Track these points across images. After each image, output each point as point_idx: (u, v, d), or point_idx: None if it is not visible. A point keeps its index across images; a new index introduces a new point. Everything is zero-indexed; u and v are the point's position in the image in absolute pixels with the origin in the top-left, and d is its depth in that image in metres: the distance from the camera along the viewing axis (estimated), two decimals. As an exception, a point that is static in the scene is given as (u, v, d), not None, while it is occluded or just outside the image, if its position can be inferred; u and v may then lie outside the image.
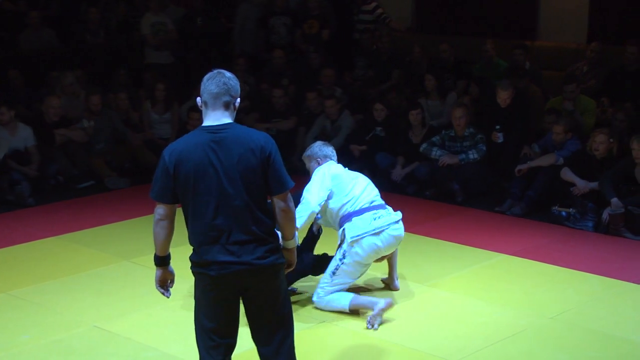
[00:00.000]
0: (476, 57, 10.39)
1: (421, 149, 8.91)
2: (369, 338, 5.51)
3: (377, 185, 9.18)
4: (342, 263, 5.77)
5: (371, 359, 5.28)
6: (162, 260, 4.09)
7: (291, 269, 4.16)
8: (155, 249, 4.07)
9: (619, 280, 6.48)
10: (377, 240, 5.74)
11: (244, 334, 5.30)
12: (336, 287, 5.82)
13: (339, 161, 6.10)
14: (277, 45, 11.40)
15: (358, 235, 5.71)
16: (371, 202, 5.88)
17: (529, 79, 9.45)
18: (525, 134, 8.82)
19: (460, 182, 8.67)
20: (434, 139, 8.91)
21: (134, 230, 7.73)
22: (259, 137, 3.94)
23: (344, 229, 5.78)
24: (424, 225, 7.82)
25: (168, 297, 4.21)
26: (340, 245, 5.82)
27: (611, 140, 7.83)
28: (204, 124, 3.95)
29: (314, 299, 5.87)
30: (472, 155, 8.67)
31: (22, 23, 11.08)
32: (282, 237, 4.07)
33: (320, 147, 6.08)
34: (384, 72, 10.81)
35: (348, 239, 5.73)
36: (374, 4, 11.63)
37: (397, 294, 6.14)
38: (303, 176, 9.34)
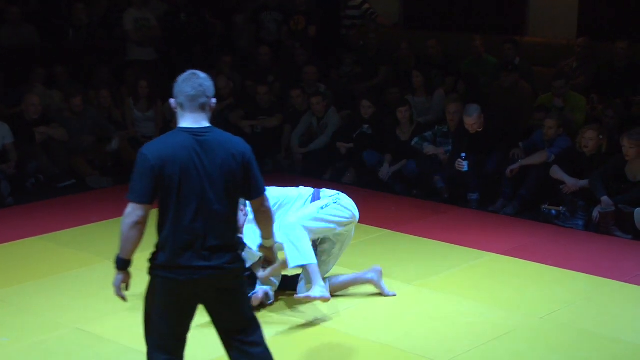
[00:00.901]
0: (465, 53, 10.35)
1: (412, 142, 8.85)
2: (356, 338, 5.45)
3: (364, 184, 9.20)
4: (328, 206, 5.73)
5: (358, 359, 5.22)
6: (127, 264, 4.06)
7: (271, 264, 4.32)
8: (122, 253, 4.01)
9: (609, 280, 6.45)
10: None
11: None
12: (318, 225, 5.67)
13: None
14: (266, 41, 11.33)
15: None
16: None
17: (518, 75, 9.38)
18: (507, 152, 8.51)
19: (446, 180, 8.59)
20: (426, 134, 8.84)
21: (116, 230, 7.45)
22: (239, 143, 4.00)
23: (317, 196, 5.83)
24: (411, 224, 7.79)
25: (127, 302, 4.16)
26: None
27: (601, 136, 7.79)
28: (183, 126, 3.93)
29: (292, 219, 5.64)
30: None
31: (1, 19, 10.92)
32: (262, 237, 4.21)
33: None
34: (371, 69, 10.74)
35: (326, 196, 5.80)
36: (360, 0, 11.56)
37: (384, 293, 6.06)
38: (290, 175, 9.35)
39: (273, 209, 5.59)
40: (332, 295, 5.84)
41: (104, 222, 7.86)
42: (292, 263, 5.58)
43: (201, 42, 11.47)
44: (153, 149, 3.87)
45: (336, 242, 5.94)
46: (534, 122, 8.78)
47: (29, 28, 10.85)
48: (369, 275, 6.02)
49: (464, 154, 8.18)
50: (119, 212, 8.43)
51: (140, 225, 3.90)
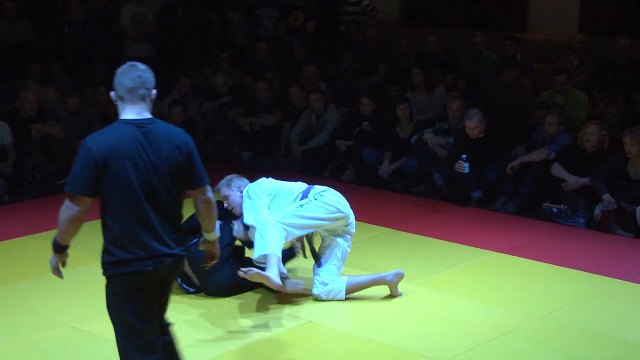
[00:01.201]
0: (465, 50, 10.30)
1: (412, 139, 8.79)
2: (356, 338, 5.42)
3: (364, 182, 9.16)
4: (308, 203, 5.77)
5: (358, 358, 5.19)
6: (64, 249, 4.07)
7: (214, 261, 4.27)
8: (60, 239, 4.01)
9: (611, 278, 6.42)
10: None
11: (237, 332, 5.15)
12: (299, 222, 5.69)
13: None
14: (263, 38, 11.28)
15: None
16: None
17: (519, 71, 9.33)
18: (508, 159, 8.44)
19: (445, 178, 8.54)
20: (426, 131, 8.78)
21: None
22: (181, 134, 4.02)
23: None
24: (412, 222, 7.76)
25: (62, 278, 4.20)
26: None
27: (603, 132, 7.73)
28: (125, 117, 3.93)
29: (272, 217, 5.68)
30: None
31: (-2, 14, 10.88)
32: (204, 230, 4.18)
33: (237, 178, 6.15)
34: (371, 66, 10.69)
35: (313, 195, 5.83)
36: (360, -4, 11.54)
37: (384, 292, 6.02)
38: (289, 172, 9.30)
39: (267, 198, 5.76)
40: (350, 297, 5.87)
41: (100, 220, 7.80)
42: (256, 254, 5.62)
43: (199, 38, 11.43)
44: (97, 142, 3.85)
45: (333, 238, 5.92)
46: (535, 119, 8.73)
47: (25, 24, 10.79)
48: (389, 277, 5.95)
49: (464, 155, 8.11)
50: None
51: (80, 217, 3.89)
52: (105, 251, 3.93)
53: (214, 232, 4.19)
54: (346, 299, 5.89)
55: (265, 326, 5.55)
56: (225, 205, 6.04)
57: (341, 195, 5.95)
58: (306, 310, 5.77)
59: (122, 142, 3.83)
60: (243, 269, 5.43)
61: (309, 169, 9.44)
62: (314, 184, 6.04)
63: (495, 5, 11.07)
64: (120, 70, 3.97)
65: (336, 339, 5.43)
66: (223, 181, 6.10)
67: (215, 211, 4.15)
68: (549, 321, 5.64)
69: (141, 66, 3.98)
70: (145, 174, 3.85)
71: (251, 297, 5.99)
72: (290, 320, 5.63)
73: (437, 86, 9.77)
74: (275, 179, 6.12)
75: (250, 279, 5.43)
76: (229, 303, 5.90)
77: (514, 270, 6.59)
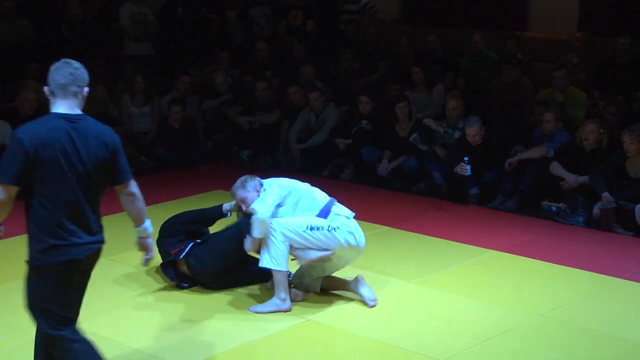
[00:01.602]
0: (465, 49, 10.29)
1: (411, 138, 8.79)
2: (354, 336, 5.41)
3: (363, 180, 9.15)
4: (319, 229, 5.64)
5: (357, 357, 5.18)
6: None
7: (149, 257, 4.41)
8: None
9: (610, 277, 6.42)
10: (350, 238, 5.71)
11: (235, 331, 5.13)
12: (297, 239, 5.60)
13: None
14: (259, 37, 11.26)
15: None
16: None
17: (520, 71, 9.32)
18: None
19: (445, 176, 8.54)
20: (435, 123, 8.81)
21: (111, 226, 7.41)
22: (109, 132, 4.16)
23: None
24: (411, 221, 7.75)
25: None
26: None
27: (601, 131, 7.74)
28: (56, 111, 4.06)
29: (280, 221, 5.64)
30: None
31: (-3, 14, 10.87)
32: (136, 225, 4.33)
33: (251, 178, 5.94)
34: (370, 64, 10.68)
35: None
36: (360, -5, 11.53)
37: (383, 291, 6.01)
38: (288, 172, 9.28)
39: (283, 192, 5.66)
40: (348, 296, 5.86)
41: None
42: (262, 264, 5.65)
43: (198, 37, 11.41)
44: (28, 133, 3.96)
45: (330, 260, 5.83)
46: (534, 117, 8.72)
47: (25, 23, 10.78)
48: (351, 286, 5.89)
49: (466, 158, 8.10)
50: (112, 209, 8.41)
51: (6, 204, 3.99)
52: (34, 238, 4.05)
53: (144, 228, 4.32)
54: (339, 297, 5.88)
55: (263, 325, 5.53)
56: (244, 208, 5.89)
57: (358, 228, 5.77)
58: (304, 309, 5.75)
59: (52, 133, 3.95)
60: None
61: (308, 168, 9.43)
62: (335, 198, 5.88)
63: (495, 4, 11.06)
64: (53, 67, 4.09)
65: (335, 338, 5.41)
66: (237, 183, 5.92)
67: (141, 204, 4.28)
68: (548, 320, 5.63)
69: (75, 64, 4.09)
70: (75, 165, 3.98)
71: (248, 295, 5.98)
72: (288, 319, 5.61)
73: (436, 84, 9.76)
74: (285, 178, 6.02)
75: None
76: (227, 302, 5.89)
77: (513, 268, 6.58)
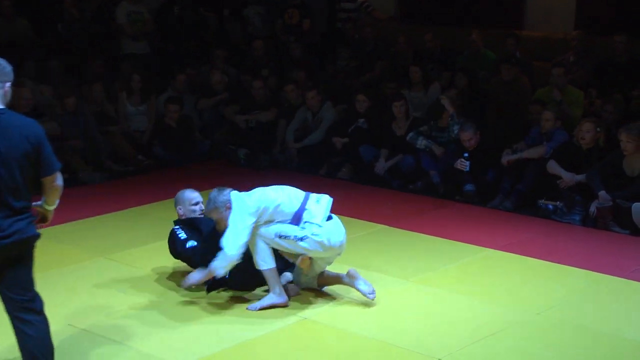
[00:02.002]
0: (462, 48, 10.27)
1: (408, 137, 8.80)
2: (352, 335, 5.39)
3: (360, 179, 9.13)
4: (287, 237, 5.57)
5: (354, 356, 5.16)
6: None
7: (46, 222, 4.53)
8: None
9: (606, 275, 6.40)
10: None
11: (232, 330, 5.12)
12: (270, 244, 5.57)
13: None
14: (255, 36, 11.25)
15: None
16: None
17: (518, 69, 9.31)
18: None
19: (441, 175, 8.53)
20: (421, 128, 8.79)
21: (109, 225, 7.56)
22: (32, 125, 4.24)
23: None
24: (408, 220, 7.72)
25: None
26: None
27: (598, 129, 7.74)
28: None
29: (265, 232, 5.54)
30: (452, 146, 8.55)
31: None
32: (45, 202, 4.44)
33: (220, 194, 5.71)
34: (368, 63, 10.67)
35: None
36: (356, -7, 11.53)
37: (380, 290, 5.98)
38: (283, 171, 9.29)
39: (252, 220, 5.47)
40: (345, 295, 5.85)
41: (97, 217, 7.77)
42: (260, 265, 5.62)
43: (195, 35, 11.40)
44: None
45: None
46: (530, 115, 8.72)
47: (23, 22, 10.76)
48: (345, 280, 5.87)
49: (466, 154, 8.16)
50: (112, 207, 8.43)
51: None
52: None
53: (53, 207, 4.46)
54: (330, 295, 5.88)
55: (260, 323, 5.52)
56: (220, 228, 5.69)
57: (333, 229, 5.63)
58: (301, 307, 5.74)
59: None
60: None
61: (305, 167, 9.42)
62: (310, 196, 5.69)
63: (492, 2, 11.05)
64: None
65: (332, 336, 5.40)
66: (209, 205, 5.69)
67: (59, 194, 4.43)
68: (545, 318, 5.62)
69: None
70: None
71: (247, 295, 5.96)
72: (285, 317, 5.60)
73: (432, 83, 9.75)
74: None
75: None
76: (225, 301, 5.87)
77: (510, 267, 6.57)
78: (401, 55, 10.56)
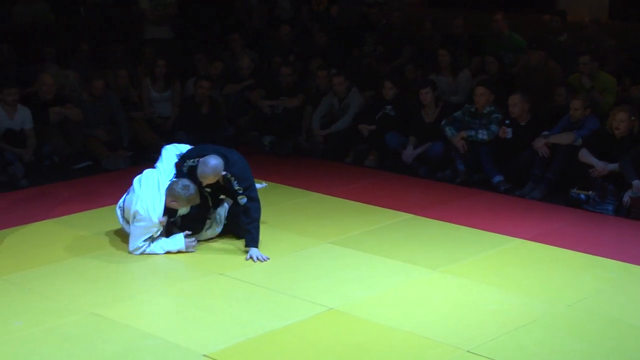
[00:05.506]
0: (491, 32, 10.12)
1: (442, 123, 8.66)
2: (378, 326, 5.35)
3: (387, 167, 9.02)
4: None
5: (380, 347, 5.12)
6: None
7: None
8: None
9: (639, 266, 6.28)
10: None
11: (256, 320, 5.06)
12: None
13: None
14: (282, 20, 11.17)
15: None
16: None
17: (546, 54, 9.13)
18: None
19: (468, 164, 8.43)
20: (456, 114, 8.68)
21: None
22: None
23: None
24: (436, 209, 7.64)
25: None
26: None
27: (633, 118, 7.59)
28: None
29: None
30: (482, 135, 8.42)
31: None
32: None
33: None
34: (395, 48, 10.54)
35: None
36: (383, -24, 11.40)
37: (407, 280, 5.99)
38: (308, 158, 9.22)
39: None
40: (372, 284, 5.85)
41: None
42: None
43: (218, 20, 11.32)
44: None
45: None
46: (558, 100, 8.55)
47: (43, 4, 10.72)
48: None
49: (508, 121, 8.24)
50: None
51: None
52: None
53: None
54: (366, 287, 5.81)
55: (284, 314, 5.50)
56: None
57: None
58: (326, 297, 5.71)
59: None
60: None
61: (331, 154, 9.34)
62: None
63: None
64: None
65: (358, 327, 5.36)
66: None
67: None
68: (576, 310, 5.55)
69: None
70: None
71: (269, 284, 5.94)
72: (310, 308, 5.57)
73: (461, 70, 9.61)
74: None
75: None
76: (247, 290, 5.86)
77: (540, 258, 6.49)
78: (428, 40, 10.42)
